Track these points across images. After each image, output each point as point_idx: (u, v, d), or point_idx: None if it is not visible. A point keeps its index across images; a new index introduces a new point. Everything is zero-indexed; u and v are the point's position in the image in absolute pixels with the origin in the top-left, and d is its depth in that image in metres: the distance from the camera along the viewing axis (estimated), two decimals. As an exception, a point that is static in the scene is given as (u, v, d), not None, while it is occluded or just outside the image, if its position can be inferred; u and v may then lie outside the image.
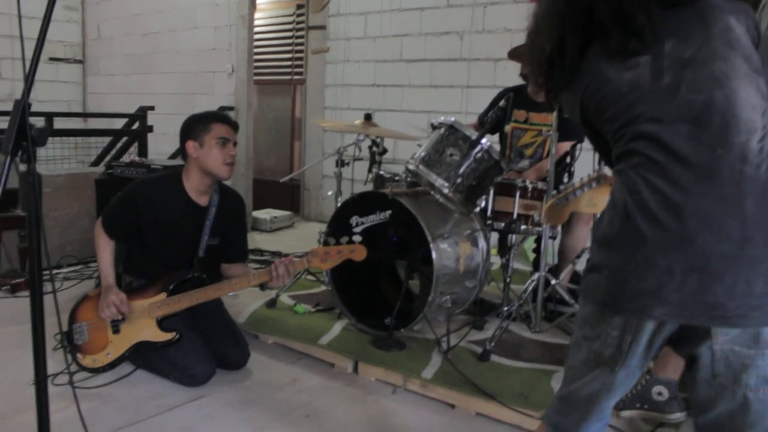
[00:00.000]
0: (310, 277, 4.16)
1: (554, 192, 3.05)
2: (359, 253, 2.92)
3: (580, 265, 3.73)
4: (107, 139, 6.47)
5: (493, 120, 3.28)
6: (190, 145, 2.98)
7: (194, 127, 3.01)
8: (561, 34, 1.47)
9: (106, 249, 3.05)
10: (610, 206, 1.43)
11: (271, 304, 3.71)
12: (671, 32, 1.38)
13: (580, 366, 1.54)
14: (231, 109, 6.47)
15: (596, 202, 2.10)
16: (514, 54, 3.54)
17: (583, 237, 3.69)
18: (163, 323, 2.94)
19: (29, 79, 1.57)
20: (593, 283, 1.45)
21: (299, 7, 7.14)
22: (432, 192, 3.19)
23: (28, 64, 1.53)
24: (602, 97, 1.43)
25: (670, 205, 1.31)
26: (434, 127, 3.21)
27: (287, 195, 7.19)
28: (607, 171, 2.06)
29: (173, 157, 6.19)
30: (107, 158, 6.25)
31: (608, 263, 1.41)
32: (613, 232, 1.40)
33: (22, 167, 1.56)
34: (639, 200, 1.34)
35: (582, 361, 1.53)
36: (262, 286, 2.98)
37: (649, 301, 1.34)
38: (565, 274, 3.67)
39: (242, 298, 3.76)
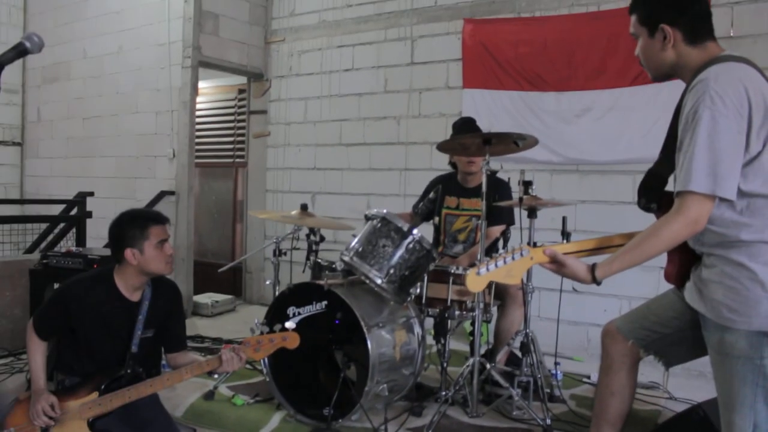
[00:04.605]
0: (248, 366, 4.14)
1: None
2: (292, 341, 2.89)
3: (515, 345, 3.82)
4: (44, 224, 6.39)
5: (423, 212, 3.42)
6: (129, 253, 2.92)
7: (131, 233, 2.94)
8: None
9: (38, 351, 2.97)
10: None
11: (209, 395, 3.67)
12: None
13: None
14: (172, 193, 6.47)
15: (514, 273, 2.15)
16: (443, 147, 3.68)
17: (517, 320, 3.77)
18: (95, 424, 2.87)
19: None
20: None
21: (241, 92, 7.30)
22: (367, 281, 3.27)
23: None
24: None
25: None
26: (368, 218, 3.31)
27: (229, 278, 7.16)
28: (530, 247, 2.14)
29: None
30: (43, 244, 6.16)
31: None
32: None
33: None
34: None
35: None
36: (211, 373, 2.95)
37: None
38: (501, 356, 3.75)
39: (179, 390, 3.71)
